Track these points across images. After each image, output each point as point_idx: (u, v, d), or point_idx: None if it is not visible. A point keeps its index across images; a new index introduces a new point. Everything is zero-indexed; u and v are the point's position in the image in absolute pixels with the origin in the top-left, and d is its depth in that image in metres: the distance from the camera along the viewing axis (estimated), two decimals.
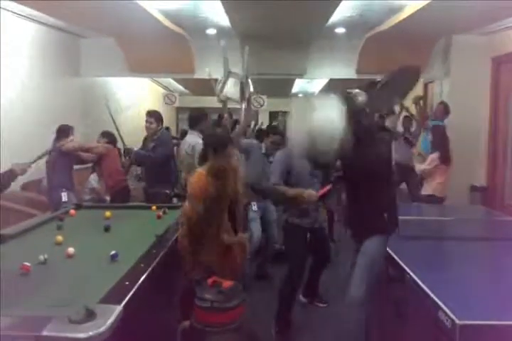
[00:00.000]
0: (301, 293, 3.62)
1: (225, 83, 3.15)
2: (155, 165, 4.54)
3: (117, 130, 4.67)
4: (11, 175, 2.90)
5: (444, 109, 5.37)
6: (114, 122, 4.56)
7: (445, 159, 4.43)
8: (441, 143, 4.54)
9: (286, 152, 3.13)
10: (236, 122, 4.67)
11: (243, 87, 3.69)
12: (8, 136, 4.44)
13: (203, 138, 3.22)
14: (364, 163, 2.33)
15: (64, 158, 4.37)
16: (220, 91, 3.14)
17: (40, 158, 3.86)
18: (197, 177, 2.57)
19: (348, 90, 2.31)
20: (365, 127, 2.32)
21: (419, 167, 4.65)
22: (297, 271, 3.14)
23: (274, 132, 4.27)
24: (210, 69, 3.20)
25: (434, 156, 4.49)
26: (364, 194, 2.40)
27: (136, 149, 4.57)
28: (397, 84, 2.36)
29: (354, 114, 2.23)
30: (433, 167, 4.45)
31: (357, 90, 2.29)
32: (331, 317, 3.37)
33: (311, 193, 2.83)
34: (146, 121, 4.47)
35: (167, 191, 4.43)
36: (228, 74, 3.21)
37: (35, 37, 5.13)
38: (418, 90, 6.96)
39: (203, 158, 2.71)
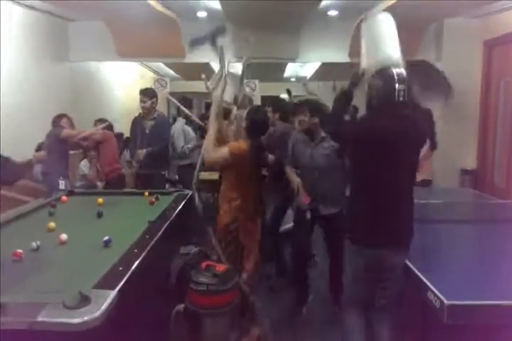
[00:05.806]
0: (331, 301, 3.23)
1: (219, 80, 2.91)
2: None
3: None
4: (28, 165, 2.86)
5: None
6: None
7: (435, 145, 4.30)
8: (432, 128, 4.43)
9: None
10: None
11: (236, 97, 3.61)
12: None
13: None
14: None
15: (61, 144, 4.29)
16: (212, 89, 2.87)
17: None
18: None
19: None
20: None
21: None
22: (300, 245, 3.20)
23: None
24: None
25: (425, 149, 4.13)
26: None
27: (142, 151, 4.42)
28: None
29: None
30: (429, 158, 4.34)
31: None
32: None
33: (297, 182, 3.03)
34: (141, 101, 4.48)
35: (163, 172, 4.60)
36: (225, 75, 3.01)
37: (21, 20, 4.99)
38: None
39: None
